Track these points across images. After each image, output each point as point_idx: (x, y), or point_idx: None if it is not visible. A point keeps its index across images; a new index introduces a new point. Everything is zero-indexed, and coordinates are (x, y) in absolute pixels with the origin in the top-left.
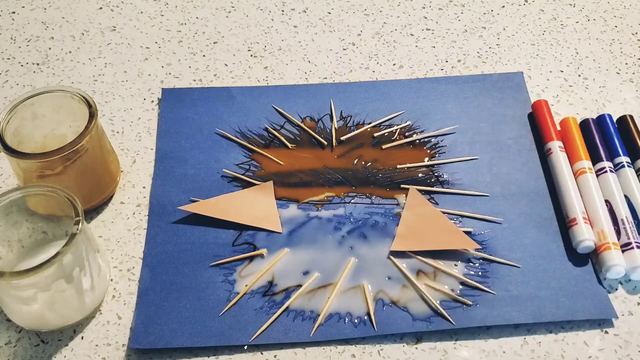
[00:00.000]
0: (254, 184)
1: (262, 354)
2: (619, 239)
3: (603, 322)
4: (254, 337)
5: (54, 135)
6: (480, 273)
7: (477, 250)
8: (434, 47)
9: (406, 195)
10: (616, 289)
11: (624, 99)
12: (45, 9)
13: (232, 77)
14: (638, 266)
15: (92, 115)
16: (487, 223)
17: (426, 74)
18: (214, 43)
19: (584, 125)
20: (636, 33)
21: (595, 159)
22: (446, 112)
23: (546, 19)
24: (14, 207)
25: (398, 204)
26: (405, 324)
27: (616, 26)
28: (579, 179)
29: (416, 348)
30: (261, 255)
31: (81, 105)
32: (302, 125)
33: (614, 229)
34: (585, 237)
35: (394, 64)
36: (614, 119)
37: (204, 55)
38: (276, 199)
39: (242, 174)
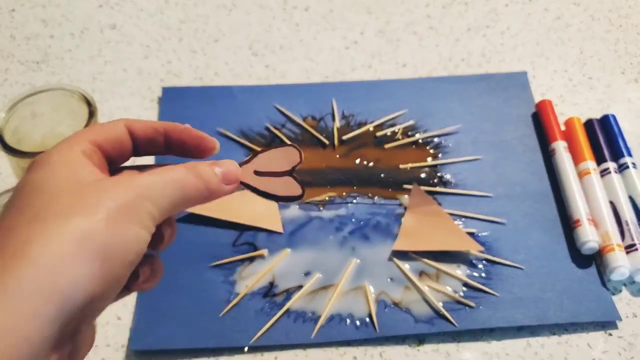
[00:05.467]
0: None
1: (262, 355)
2: (623, 240)
3: (607, 324)
4: (254, 338)
5: (54, 133)
6: (483, 274)
7: (480, 251)
8: (438, 45)
9: (409, 195)
10: (620, 291)
11: (628, 99)
12: (44, 6)
13: (233, 76)
14: None
15: (92, 113)
16: (491, 224)
17: (429, 73)
18: (215, 41)
19: (589, 125)
20: None
21: (599, 159)
22: (449, 112)
23: (550, 18)
24: None
25: (400, 205)
26: (407, 326)
27: (621, 25)
28: (583, 180)
29: (418, 350)
30: (262, 256)
31: (81, 103)
32: (303, 124)
33: (618, 230)
34: (589, 238)
35: (397, 63)
36: (618, 119)
37: (204, 54)
38: None
39: None
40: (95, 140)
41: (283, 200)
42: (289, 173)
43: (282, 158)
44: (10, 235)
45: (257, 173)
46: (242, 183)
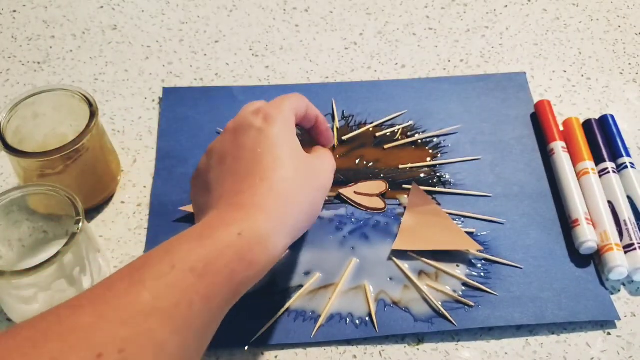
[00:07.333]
0: None
1: (262, 354)
2: (621, 240)
3: (605, 323)
4: (254, 337)
5: (55, 134)
6: (482, 274)
7: (479, 251)
8: (437, 46)
9: (408, 195)
10: (619, 290)
11: (627, 100)
12: (46, 7)
13: (233, 77)
14: None
15: (93, 114)
16: (490, 224)
17: (428, 73)
18: (216, 42)
19: (587, 125)
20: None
21: (598, 159)
22: (449, 112)
23: (549, 18)
24: (15, 206)
25: (400, 205)
26: (406, 325)
27: (619, 26)
28: (581, 180)
29: (418, 349)
30: None
31: (82, 104)
32: None
33: (617, 230)
34: (587, 238)
35: (396, 64)
36: (617, 120)
37: (205, 54)
38: None
39: None
40: (295, 110)
41: (370, 209)
42: (377, 195)
43: (375, 186)
44: (254, 171)
45: (356, 193)
46: (344, 196)
